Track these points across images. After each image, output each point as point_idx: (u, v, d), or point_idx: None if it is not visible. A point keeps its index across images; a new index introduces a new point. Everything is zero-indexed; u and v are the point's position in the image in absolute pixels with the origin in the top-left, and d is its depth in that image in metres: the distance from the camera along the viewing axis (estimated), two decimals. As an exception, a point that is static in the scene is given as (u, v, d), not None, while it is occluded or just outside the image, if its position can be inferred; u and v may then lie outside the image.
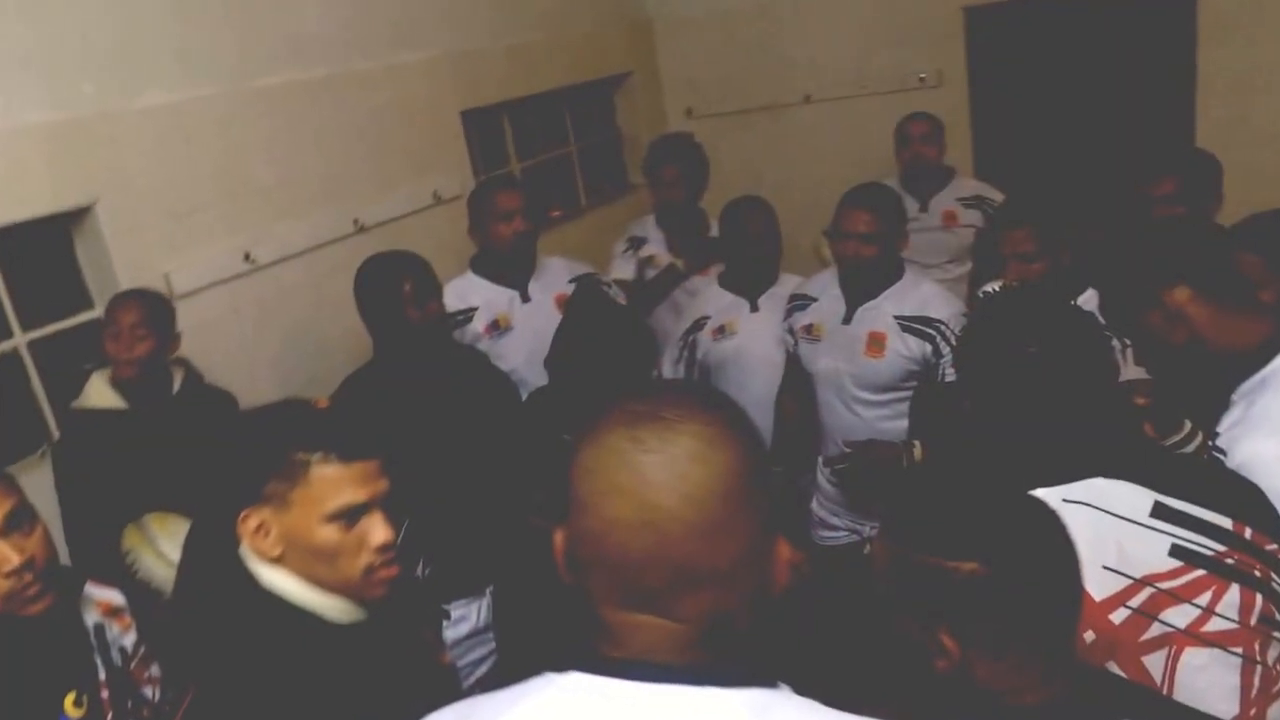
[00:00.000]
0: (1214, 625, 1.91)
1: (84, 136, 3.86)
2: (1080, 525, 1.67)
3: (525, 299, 4.31)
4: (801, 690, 1.29)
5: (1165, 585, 1.92)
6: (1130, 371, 2.71)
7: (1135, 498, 1.98)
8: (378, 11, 5.18)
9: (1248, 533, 1.98)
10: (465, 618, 3.67)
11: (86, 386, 3.67)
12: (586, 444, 1.26)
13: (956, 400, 2.90)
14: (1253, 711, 1.92)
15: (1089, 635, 1.90)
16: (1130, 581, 1.92)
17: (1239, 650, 1.92)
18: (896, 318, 3.83)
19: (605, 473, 1.23)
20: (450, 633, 3.57)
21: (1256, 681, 1.92)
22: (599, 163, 7.39)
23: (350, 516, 1.97)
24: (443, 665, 2.48)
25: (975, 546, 1.56)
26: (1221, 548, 1.95)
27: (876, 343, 3.85)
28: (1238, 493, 2.07)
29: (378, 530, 2.00)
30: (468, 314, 4.23)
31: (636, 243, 5.20)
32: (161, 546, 3.21)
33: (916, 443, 3.75)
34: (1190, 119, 6.60)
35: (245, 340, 4.43)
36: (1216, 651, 1.91)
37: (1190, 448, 2.67)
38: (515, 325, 4.28)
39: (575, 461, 1.27)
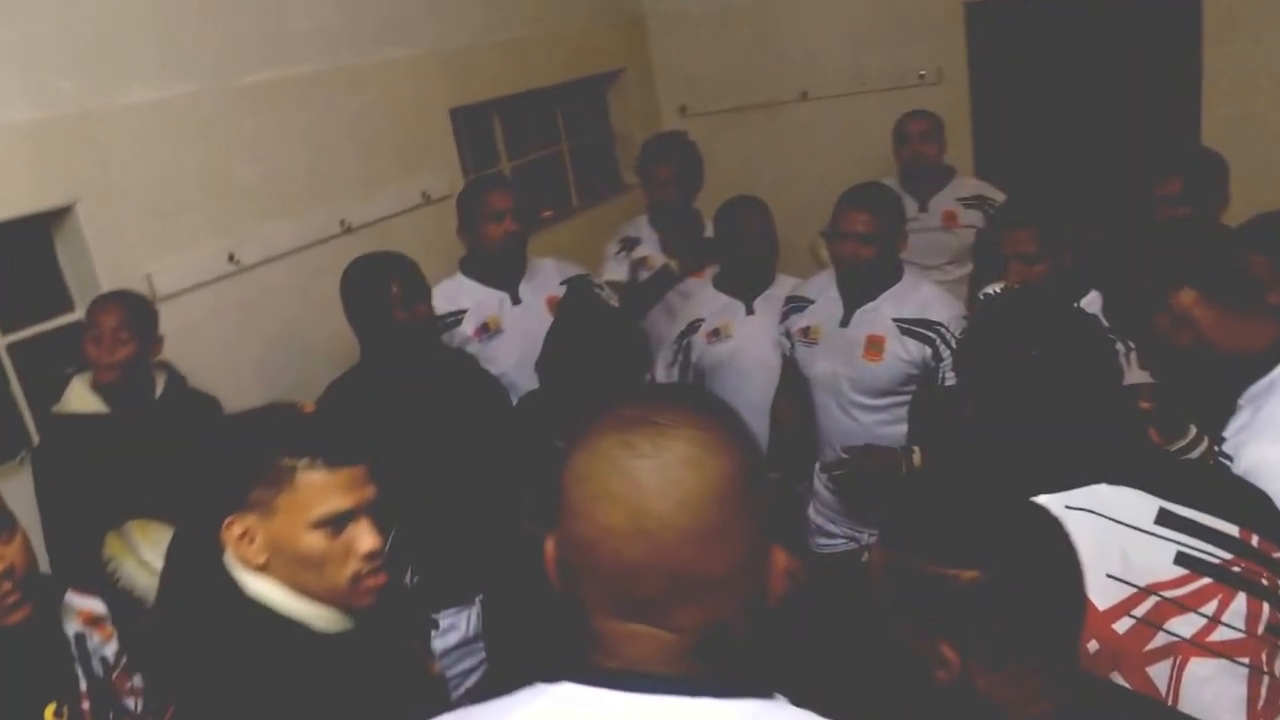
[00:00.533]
0: (1220, 635, 1.91)
1: (64, 135, 3.85)
2: (1083, 532, 1.67)
3: (516, 301, 4.31)
4: (798, 701, 1.29)
5: (1170, 594, 1.92)
6: (1134, 375, 2.71)
7: (1140, 504, 1.98)
8: (365, 7, 5.18)
9: (1254, 540, 1.98)
10: (454, 627, 3.67)
11: (67, 391, 3.66)
12: (578, 449, 1.26)
13: (957, 405, 2.90)
14: (1259, 723, 1.92)
15: (1092, 645, 1.90)
16: (1134, 590, 1.92)
17: (1246, 660, 1.92)
18: (895, 320, 3.83)
19: (597, 479, 1.23)
20: (439, 642, 3.56)
21: (1264, 693, 1.92)
22: (591, 162, 7.39)
23: (337, 523, 1.97)
24: (432, 675, 2.48)
25: (976, 554, 1.56)
26: (1228, 555, 1.95)
27: (875, 346, 3.85)
28: (1244, 499, 2.07)
29: (365, 537, 2.00)
30: (457, 316, 4.22)
31: (629, 244, 5.20)
32: (144, 554, 3.21)
33: (916, 448, 3.75)
34: (1196, 117, 6.61)
35: (229, 343, 4.43)
36: (1223, 662, 1.91)
37: (1196, 453, 2.67)
38: (505, 328, 4.27)
39: (567, 467, 1.27)
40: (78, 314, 3.97)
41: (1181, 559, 1.94)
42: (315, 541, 1.96)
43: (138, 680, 2.40)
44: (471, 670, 3.71)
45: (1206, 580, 1.93)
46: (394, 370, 3.60)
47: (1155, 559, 1.94)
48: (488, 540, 3.44)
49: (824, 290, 4.05)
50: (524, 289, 4.34)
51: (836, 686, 1.87)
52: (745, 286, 4.44)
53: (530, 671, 1.31)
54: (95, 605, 2.43)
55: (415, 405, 3.51)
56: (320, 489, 1.96)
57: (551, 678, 1.28)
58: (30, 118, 3.75)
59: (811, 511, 4.25)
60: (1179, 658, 1.91)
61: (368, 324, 3.65)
